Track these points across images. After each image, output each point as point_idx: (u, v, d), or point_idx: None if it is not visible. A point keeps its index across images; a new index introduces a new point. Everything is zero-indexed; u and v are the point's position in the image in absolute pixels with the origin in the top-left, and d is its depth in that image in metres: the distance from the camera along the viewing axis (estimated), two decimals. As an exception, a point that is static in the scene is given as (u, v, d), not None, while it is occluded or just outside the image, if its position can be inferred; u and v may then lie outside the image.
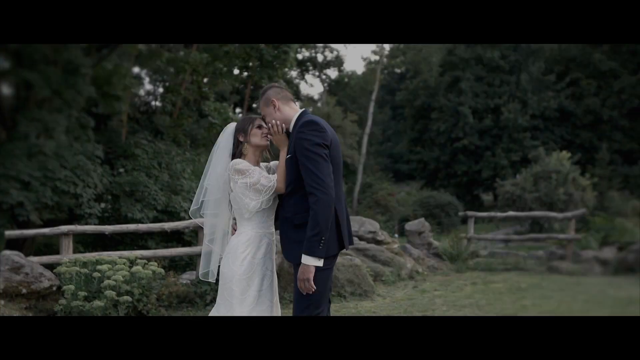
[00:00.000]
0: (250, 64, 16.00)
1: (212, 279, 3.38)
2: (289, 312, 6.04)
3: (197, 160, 13.60)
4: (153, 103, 18.26)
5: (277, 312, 3.34)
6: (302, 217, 3.10)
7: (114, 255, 6.61)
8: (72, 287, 5.75)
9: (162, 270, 6.45)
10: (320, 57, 34.14)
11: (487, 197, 31.74)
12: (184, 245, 11.46)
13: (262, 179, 3.17)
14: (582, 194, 18.02)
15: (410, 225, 11.28)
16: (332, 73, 37.40)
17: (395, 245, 9.51)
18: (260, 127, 3.31)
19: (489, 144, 27.91)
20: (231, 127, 3.39)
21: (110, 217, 11.61)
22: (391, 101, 40.87)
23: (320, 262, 3.00)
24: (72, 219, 10.74)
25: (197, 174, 13.30)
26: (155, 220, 11.34)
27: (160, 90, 17.98)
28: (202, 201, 3.33)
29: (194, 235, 11.90)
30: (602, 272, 8.96)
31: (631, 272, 8.66)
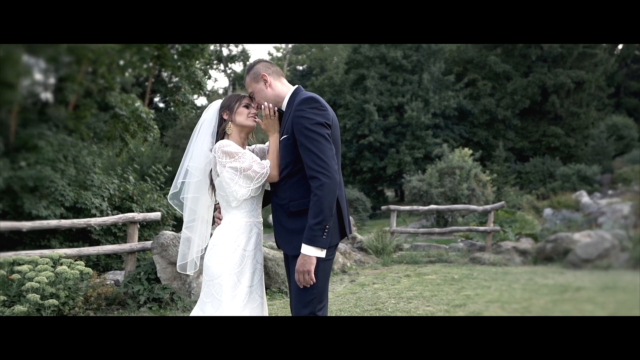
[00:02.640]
0: (154, 53, 15.21)
1: (191, 271, 3.01)
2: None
3: (106, 153, 12.67)
4: (44, 94, 16.93)
5: (265, 308, 3.03)
6: (299, 204, 2.81)
7: (33, 254, 5.93)
8: (-12, 291, 5.08)
9: (90, 270, 5.87)
10: (225, 51, 33.35)
11: (390, 193, 32.48)
12: (91, 244, 10.63)
13: (255, 164, 2.84)
14: (482, 189, 18.88)
15: (334, 220, 11.18)
16: (238, 67, 36.70)
17: (325, 240, 9.35)
18: (247, 106, 2.99)
19: (393, 141, 28.51)
20: (217, 104, 3.04)
21: (8, 214, 10.50)
22: (295, 98, 40.69)
23: (322, 253, 2.72)
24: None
25: (105, 168, 12.42)
26: (62, 218, 10.40)
27: (52, 80, 16.70)
28: (182, 183, 2.96)
29: (102, 234, 11.10)
30: (522, 262, 9.30)
31: (549, 261, 9.04)
